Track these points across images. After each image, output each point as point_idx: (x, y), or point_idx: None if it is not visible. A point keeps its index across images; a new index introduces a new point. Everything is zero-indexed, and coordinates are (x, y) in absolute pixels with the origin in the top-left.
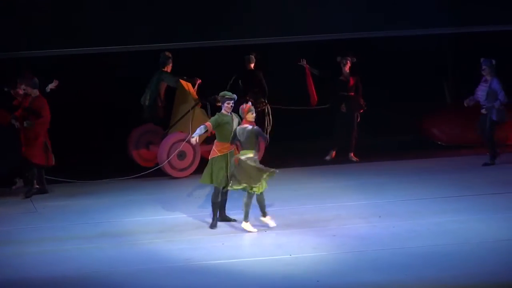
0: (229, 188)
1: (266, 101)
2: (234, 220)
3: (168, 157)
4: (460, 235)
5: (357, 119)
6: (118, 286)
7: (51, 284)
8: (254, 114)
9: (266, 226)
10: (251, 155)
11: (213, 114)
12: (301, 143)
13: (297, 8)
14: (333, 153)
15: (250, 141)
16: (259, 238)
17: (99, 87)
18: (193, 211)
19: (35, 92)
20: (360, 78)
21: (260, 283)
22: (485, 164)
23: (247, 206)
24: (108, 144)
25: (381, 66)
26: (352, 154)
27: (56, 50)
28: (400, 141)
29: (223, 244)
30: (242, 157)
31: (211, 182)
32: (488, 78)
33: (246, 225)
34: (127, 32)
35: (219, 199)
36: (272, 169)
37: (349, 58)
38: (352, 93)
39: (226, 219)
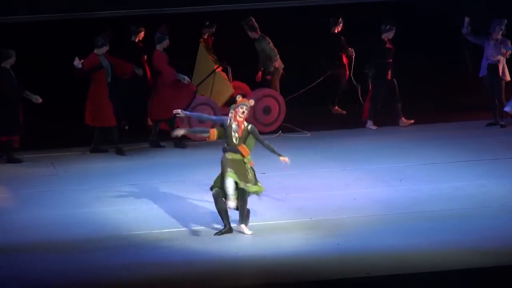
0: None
1: None
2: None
3: (189, 121)
4: (480, 199)
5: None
6: (140, 248)
7: (72, 246)
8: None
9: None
10: None
11: (234, 78)
12: (320, 107)
13: None
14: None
15: None
16: (279, 202)
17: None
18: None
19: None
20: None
21: (280, 246)
22: (490, 124)
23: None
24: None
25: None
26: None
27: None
28: (419, 106)
29: None
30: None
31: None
32: (500, 38)
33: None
34: None
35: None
36: None
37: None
38: None
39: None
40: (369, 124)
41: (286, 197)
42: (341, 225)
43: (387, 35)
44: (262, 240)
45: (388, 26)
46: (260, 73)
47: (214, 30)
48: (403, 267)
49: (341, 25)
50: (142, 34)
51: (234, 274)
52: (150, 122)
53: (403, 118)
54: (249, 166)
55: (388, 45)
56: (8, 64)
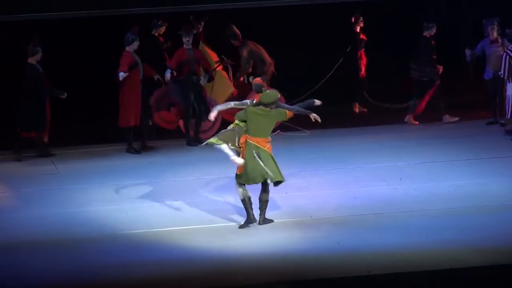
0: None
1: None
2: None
3: None
4: (480, 198)
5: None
6: (139, 247)
7: (72, 244)
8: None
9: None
10: None
11: (234, 77)
12: (319, 106)
13: None
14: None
15: None
16: (279, 201)
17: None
18: (216, 173)
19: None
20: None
21: (280, 245)
22: (490, 123)
23: None
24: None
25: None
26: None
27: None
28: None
29: None
30: None
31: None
32: (497, 37)
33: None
34: None
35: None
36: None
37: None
38: None
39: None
40: (445, 118)
41: (286, 195)
42: (341, 224)
43: (429, 32)
44: (262, 239)
45: (431, 23)
46: (242, 78)
47: (203, 23)
48: (403, 266)
49: (360, 21)
50: (163, 29)
51: (234, 272)
52: (150, 122)
53: (410, 117)
54: (230, 127)
55: (432, 42)
56: (34, 60)
